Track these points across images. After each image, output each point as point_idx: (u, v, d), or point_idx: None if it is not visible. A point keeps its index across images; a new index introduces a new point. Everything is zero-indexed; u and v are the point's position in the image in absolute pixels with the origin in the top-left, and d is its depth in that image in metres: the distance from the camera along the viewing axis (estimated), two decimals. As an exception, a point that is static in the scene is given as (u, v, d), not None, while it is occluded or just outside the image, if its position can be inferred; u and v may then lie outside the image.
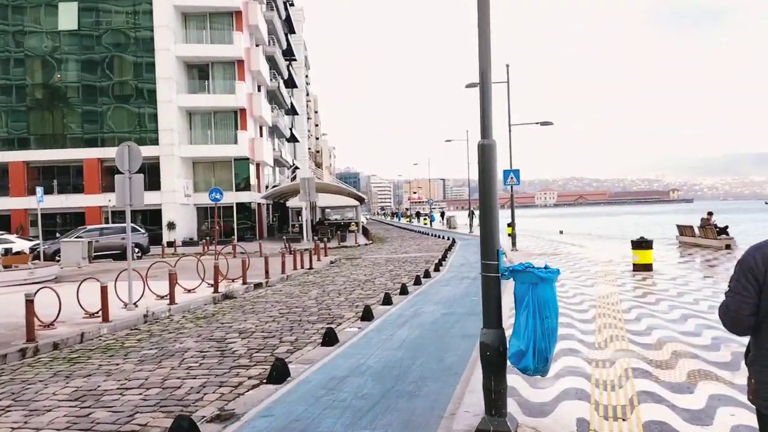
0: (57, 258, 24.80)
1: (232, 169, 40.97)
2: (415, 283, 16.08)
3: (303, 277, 19.05)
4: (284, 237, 36.82)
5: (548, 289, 4.63)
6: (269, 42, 49.35)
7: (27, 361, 8.66)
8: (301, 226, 43.85)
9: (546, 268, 4.73)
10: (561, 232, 41.17)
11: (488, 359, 4.79)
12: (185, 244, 36.89)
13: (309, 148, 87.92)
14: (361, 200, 54.72)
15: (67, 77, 39.47)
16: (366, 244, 36.44)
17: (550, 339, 4.62)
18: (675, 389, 5.83)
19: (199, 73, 41.11)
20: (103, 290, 10.89)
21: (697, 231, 25.41)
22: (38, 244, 26.00)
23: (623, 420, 5.06)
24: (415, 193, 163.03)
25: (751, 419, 4.91)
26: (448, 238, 38.19)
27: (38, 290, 10.51)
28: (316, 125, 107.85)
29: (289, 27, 63.72)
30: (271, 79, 49.18)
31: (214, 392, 6.72)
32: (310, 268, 21.38)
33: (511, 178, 25.38)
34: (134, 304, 12.22)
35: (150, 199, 37.16)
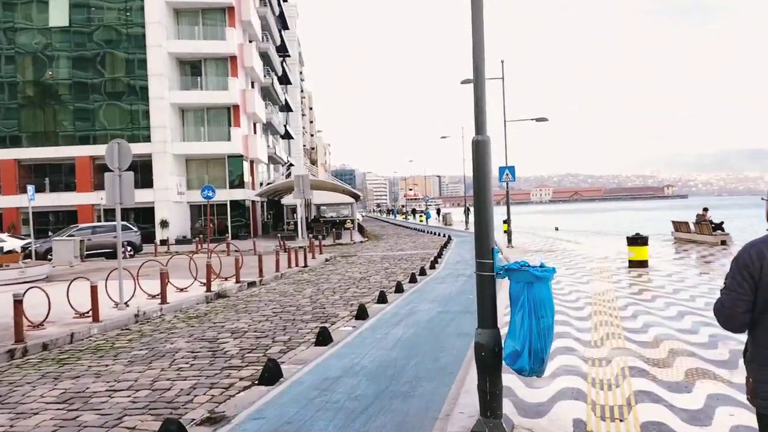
0: (49, 257, 24.60)
1: (226, 166, 40.79)
2: (410, 281, 15.97)
3: (297, 276, 18.92)
4: (279, 235, 36.69)
5: (544, 288, 4.52)
6: (263, 38, 49.10)
7: (15, 363, 8.51)
8: (296, 223, 43.69)
9: (541, 266, 4.62)
10: (556, 229, 41.15)
11: (483, 360, 4.69)
12: (179, 242, 36.69)
13: (304, 145, 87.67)
14: (356, 197, 54.62)
15: (59, 74, 39.20)
16: (361, 242, 36.32)
17: (546, 339, 4.52)
18: (673, 388, 5.74)
19: (191, 69, 40.89)
20: (93, 290, 10.74)
21: (692, 227, 25.39)
22: (30, 243, 25.80)
23: (621, 421, 4.96)
24: (410, 190, 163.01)
25: (750, 419, 4.81)
26: (444, 235, 38.09)
27: (27, 290, 10.36)
28: (311, 122, 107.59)
29: (283, 23, 63.46)
30: (264, 76, 48.94)
31: (204, 394, 6.60)
32: (305, 266, 21.26)
33: (507, 174, 25.30)
34: (125, 303, 12.07)
35: (143, 196, 37.16)
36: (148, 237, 35.29)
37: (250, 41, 44.65)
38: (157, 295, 12.94)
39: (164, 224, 37.45)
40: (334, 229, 40.95)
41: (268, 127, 52.94)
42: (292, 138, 69.46)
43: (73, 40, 39.02)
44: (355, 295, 13.87)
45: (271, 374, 6.86)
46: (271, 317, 11.35)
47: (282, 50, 62.22)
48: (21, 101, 39.15)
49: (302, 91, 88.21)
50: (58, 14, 38.74)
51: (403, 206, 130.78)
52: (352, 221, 52.32)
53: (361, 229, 46.84)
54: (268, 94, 52.39)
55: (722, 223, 24.70)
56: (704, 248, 21.60)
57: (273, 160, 56.17)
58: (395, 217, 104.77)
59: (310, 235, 31.22)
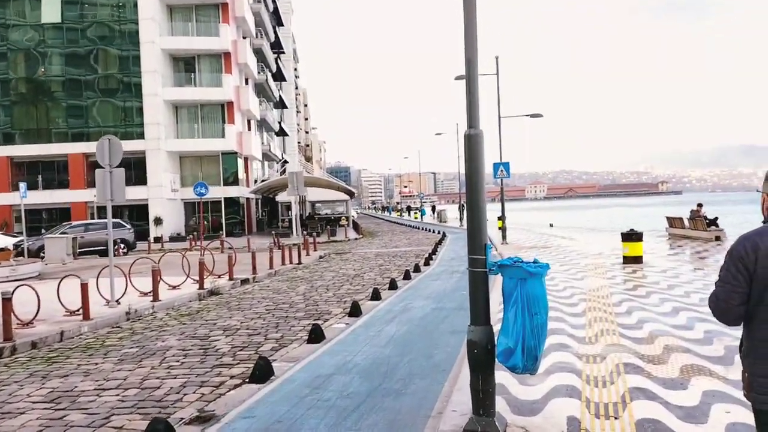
0: (41, 254, 24.43)
1: (220, 163, 40.60)
2: (404, 278, 15.90)
3: (291, 273, 18.82)
4: (273, 232, 36.55)
5: (537, 285, 4.44)
6: (257, 34, 48.87)
7: (3, 361, 8.40)
8: (290, 220, 43.57)
9: (535, 262, 4.55)
10: (551, 225, 41.12)
11: (476, 357, 4.61)
12: (173, 239, 36.51)
13: (299, 142, 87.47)
14: (350, 194, 54.48)
15: (52, 71, 38.89)
16: (356, 239, 36.23)
17: (539, 336, 4.44)
18: (668, 385, 5.68)
19: (185, 66, 40.63)
20: (84, 287, 10.62)
21: (686, 223, 25.39)
22: (22, 241, 25.60)
23: (615, 418, 4.89)
24: (405, 187, 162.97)
25: (746, 416, 4.76)
26: (439, 232, 38.03)
27: (16, 288, 10.23)
28: (306, 119, 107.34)
29: (277, 19, 63.17)
30: (258, 72, 48.74)
31: (194, 392, 6.50)
32: (299, 263, 21.16)
33: (501, 171, 25.23)
34: (116, 301, 11.96)
35: (136, 194, 37.04)
36: (142, 234, 35.12)
37: (244, 37, 44.43)
38: (149, 292, 12.82)
39: (158, 221, 37.25)
40: (328, 226, 40.85)
41: (263, 124, 52.74)
42: (287, 135, 69.24)
43: (65, 37, 38.71)
44: (349, 292, 13.79)
45: (262, 372, 6.78)
46: (263, 314, 11.26)
47: (276, 47, 61.97)
48: (13, 98, 38.83)
49: (297, 87, 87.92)
50: (51, 10, 38.43)
51: (398, 203, 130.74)
52: (347, 218, 52.19)
53: (356, 226, 46.72)
54: (262, 91, 52.18)
55: (716, 218, 24.72)
56: (698, 244, 21.60)
57: (268, 157, 55.99)
58: (390, 214, 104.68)
59: (305, 232, 31.11)
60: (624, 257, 16.05)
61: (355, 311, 10.75)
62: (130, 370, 7.54)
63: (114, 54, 38.69)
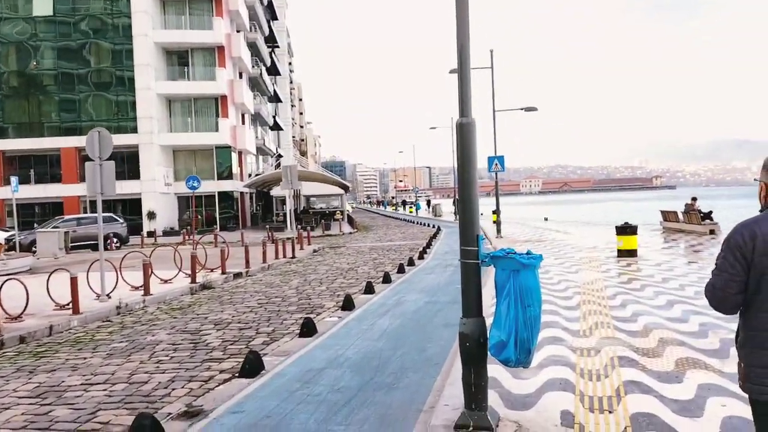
0: (33, 249, 24.24)
1: (214, 157, 40.39)
2: (398, 272, 15.82)
3: (285, 267, 18.71)
4: (267, 226, 36.42)
5: (531, 276, 4.35)
6: (251, 28, 48.57)
7: (-10, 356, 8.27)
8: (285, 215, 43.42)
9: (528, 253, 4.45)
10: (546, 219, 41.12)
11: (468, 351, 4.52)
12: (166, 233, 36.33)
13: (293, 137, 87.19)
14: (345, 188, 54.35)
15: (44, 65, 38.56)
16: (351, 233, 36.13)
17: (532, 329, 4.35)
18: (663, 378, 5.61)
19: (178, 59, 40.35)
20: (73, 281, 10.49)
21: (681, 216, 25.39)
22: (14, 235, 25.41)
23: (609, 412, 4.81)
24: (401, 181, 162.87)
25: (742, 410, 4.69)
26: (434, 226, 37.99)
27: (5, 282, 10.10)
28: (301, 113, 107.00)
29: (272, 13, 62.83)
30: (253, 66, 48.47)
31: (182, 387, 6.40)
32: (293, 257, 21.05)
33: (496, 164, 25.14)
34: (107, 295, 11.83)
35: (130, 188, 36.85)
36: (136, 229, 34.94)
37: (238, 31, 44.16)
38: (141, 286, 12.70)
39: (151, 216, 37.05)
40: (323, 221, 40.73)
41: (257, 118, 52.49)
42: (282, 129, 68.98)
43: (57, 30, 38.38)
44: (342, 286, 13.69)
45: (252, 366, 6.68)
46: (255, 308, 11.16)
47: (271, 41, 61.64)
48: (5, 92, 38.49)
49: (291, 82, 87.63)
50: (42, 3, 38.06)
51: (393, 198, 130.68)
52: (342, 212, 52.08)
53: (351, 221, 46.62)
54: (256, 85, 51.91)
55: (711, 212, 24.70)
56: (693, 237, 21.58)
57: (262, 151, 55.75)
58: (385, 208, 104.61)
59: (299, 227, 30.97)
60: (618, 251, 16.01)
61: (348, 305, 10.66)
62: (119, 365, 7.43)
63: (107, 47, 38.39)
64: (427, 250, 21.79)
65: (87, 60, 38.45)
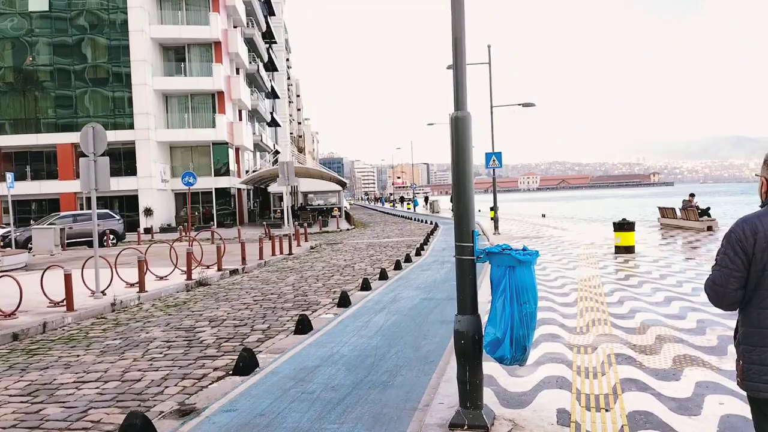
0: (29, 246, 24.12)
1: (211, 153, 40.26)
2: (395, 268, 15.76)
3: (281, 263, 18.64)
4: (264, 222, 36.31)
5: (526, 273, 4.28)
6: (248, 24, 48.39)
7: (-18, 354, 8.20)
8: (282, 211, 43.32)
9: (524, 250, 4.39)
10: (543, 216, 41.06)
11: (463, 348, 4.46)
12: (163, 230, 36.24)
13: (291, 133, 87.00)
14: (343, 185, 54.22)
15: (40, 60, 38.36)
16: (348, 229, 36.05)
17: (528, 326, 4.29)
18: (660, 376, 5.55)
19: (175, 55, 40.19)
20: (67, 278, 10.41)
21: (678, 213, 25.34)
22: (9, 232, 25.28)
23: (606, 410, 4.75)
24: (398, 178, 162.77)
25: (741, 408, 4.64)
26: (431, 223, 37.93)
27: (-2, 279, 10.02)
28: (298, 110, 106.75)
29: (269, 9, 62.59)
30: (250, 62, 48.30)
31: (176, 385, 6.33)
32: (290, 253, 20.98)
33: (494, 160, 25.07)
34: (102, 292, 11.75)
35: (126, 184, 36.74)
36: (132, 225, 34.85)
37: (235, 27, 43.99)
38: (136, 283, 12.62)
39: (148, 212, 36.93)
40: (320, 217, 40.64)
41: (254, 115, 52.34)
42: (279, 125, 68.79)
43: (53, 26, 38.17)
44: (339, 283, 13.63)
45: (246, 364, 6.61)
46: (251, 305, 11.09)
47: (268, 36, 61.45)
48: (1, 88, 38.29)
49: (289, 78, 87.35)
50: (38, -1, 37.88)
51: (391, 194, 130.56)
52: (339, 209, 51.96)
53: (348, 217, 46.51)
54: (253, 81, 51.75)
55: (708, 208, 24.66)
56: (690, 234, 21.54)
57: (259, 147, 55.62)
58: (383, 204, 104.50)
59: (296, 223, 30.88)
60: (616, 247, 15.96)
61: (344, 302, 10.60)
62: (112, 362, 7.36)
63: (103, 43, 38.21)
64: (425, 246, 21.73)
65: (83, 56, 38.27)
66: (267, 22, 58.66)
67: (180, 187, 36.79)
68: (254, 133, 50.94)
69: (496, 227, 26.06)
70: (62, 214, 29.00)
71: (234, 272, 16.00)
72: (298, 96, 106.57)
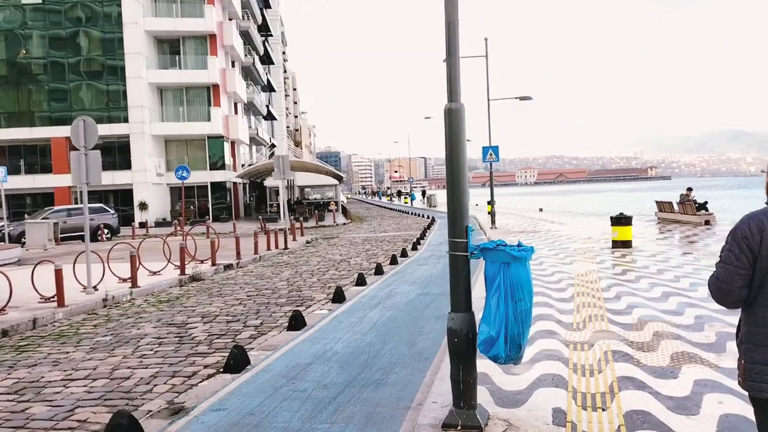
0: (23, 240, 23.94)
1: (206, 147, 40.02)
2: (391, 263, 15.65)
3: (277, 258, 18.51)
4: (260, 217, 36.16)
5: (521, 269, 4.17)
6: (243, 16, 48.05)
7: (-30, 351, 8.06)
8: (278, 205, 43.15)
9: (519, 245, 4.27)
10: (541, 210, 40.99)
11: (456, 347, 4.34)
12: (158, 224, 36.06)
13: (287, 127, 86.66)
14: (339, 179, 54.06)
15: (34, 53, 38.03)
16: (344, 224, 35.93)
17: (523, 324, 4.18)
18: (658, 374, 5.45)
19: (169, 48, 39.87)
20: (58, 273, 10.27)
21: (676, 207, 25.27)
22: (3, 226, 25.09)
23: (603, 410, 4.65)
24: (396, 172, 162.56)
25: (740, 407, 4.54)
26: (428, 217, 37.82)
27: (-13, 274, 9.88)
28: (295, 103, 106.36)
29: (265, 1, 62.23)
30: (245, 55, 47.97)
31: (165, 383, 6.21)
32: (285, 248, 20.85)
33: (491, 154, 24.94)
34: (94, 287, 11.61)
35: (121, 178, 36.54)
36: (127, 219, 34.66)
37: (230, 19, 43.65)
38: (128, 278, 12.48)
39: (143, 206, 36.73)
40: (317, 211, 40.49)
41: (250, 108, 52.06)
42: (275, 119, 68.50)
43: (47, 19, 37.83)
44: (334, 278, 13.51)
45: (237, 361, 6.50)
46: (244, 301, 10.97)
47: (264, 29, 61.06)
48: (-5, 81, 38.01)
49: (285, 71, 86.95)
50: (31, -9, 37.51)
51: (388, 188, 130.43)
52: (336, 203, 51.82)
53: (345, 211, 46.39)
54: (249, 74, 51.45)
55: (706, 203, 24.60)
56: (688, 228, 21.48)
57: (255, 141, 55.36)
58: (380, 199, 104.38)
59: (292, 217, 30.75)
60: (613, 241, 15.87)
61: (338, 297, 10.49)
62: (101, 360, 7.24)
63: (97, 36, 37.88)
64: (421, 241, 21.62)
65: (77, 49, 37.95)
66: (263, 15, 58.32)
67: (175, 181, 36.61)
68: (250, 127, 50.69)
69: (493, 221, 25.96)
70: (56, 208, 28.80)
71: (228, 267, 15.88)
72: (294, 89, 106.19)
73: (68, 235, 25.87)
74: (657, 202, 28.17)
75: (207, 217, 37.88)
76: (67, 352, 7.70)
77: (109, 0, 37.53)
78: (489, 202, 27.63)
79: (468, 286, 4.45)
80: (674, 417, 4.44)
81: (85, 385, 6.26)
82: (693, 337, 6.69)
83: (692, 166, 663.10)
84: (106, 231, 27.08)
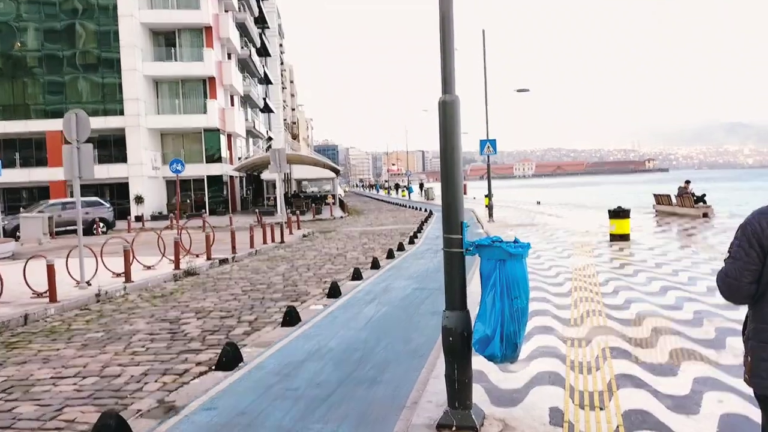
0: (17, 234, 23.79)
1: (203, 140, 39.81)
2: (387, 257, 15.55)
3: (273, 252, 18.40)
4: (257, 210, 36.02)
5: (518, 266, 4.06)
6: (239, 8, 47.73)
7: (-41, 348, 7.95)
8: (275, 198, 42.97)
9: (516, 242, 4.16)
10: (538, 203, 40.91)
11: (451, 345, 4.24)
12: (155, 218, 35.91)
13: (285, 119, 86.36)
14: (336, 172, 53.87)
15: (28, 46, 37.75)
16: (342, 217, 35.81)
17: (519, 322, 4.07)
18: (656, 371, 5.36)
19: (165, 40, 39.59)
20: (50, 268, 10.14)
21: (674, 200, 25.20)
22: (-3, 220, 24.93)
23: (601, 409, 4.56)
24: (393, 165, 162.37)
25: (740, 406, 4.44)
26: (426, 210, 37.72)
27: (-23, 270, 9.74)
28: (292, 95, 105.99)
29: (261, -7, 61.82)
30: (242, 47, 47.70)
31: (156, 381, 6.10)
32: (282, 242, 20.73)
33: (488, 147, 24.81)
34: (87, 282, 11.49)
35: (117, 172, 36.36)
36: (123, 213, 34.51)
37: (226, 11, 43.35)
38: (122, 273, 12.36)
39: (139, 200, 36.56)
40: (314, 205, 40.35)
41: (247, 101, 51.81)
42: (272, 112, 68.23)
43: (42, 11, 37.53)
44: (330, 272, 13.41)
45: (229, 359, 6.39)
46: (239, 296, 10.86)
47: (260, 21, 60.73)
48: (-11, 73, 37.73)
49: (282, 63, 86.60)
50: (26, -17, 37.18)
51: (386, 181, 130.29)
52: (334, 196, 51.66)
53: (342, 205, 46.25)
54: (246, 67, 51.16)
55: (704, 195, 24.53)
56: (686, 221, 21.40)
57: (252, 134, 55.14)
58: (378, 192, 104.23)
59: (289, 211, 30.62)
60: (611, 235, 15.79)
61: (334, 292, 10.38)
62: (92, 357, 7.13)
63: (92, 28, 37.61)
64: (418, 234, 21.52)
65: (72, 41, 37.67)
66: (259, 7, 57.98)
67: (171, 174, 36.45)
68: (247, 120, 50.46)
69: (490, 214, 25.87)
70: (51, 201, 28.62)
71: (223, 261, 15.76)
72: (291, 82, 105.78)
73: (63, 229, 25.73)
74: (655, 195, 28.10)
75: (204, 210, 37.72)
76: (58, 349, 7.59)
77: (104, -8, 37.22)
78: (487, 195, 27.54)
79: (463, 283, 4.34)
80: (674, 417, 4.34)
81: (74, 383, 6.15)
82: (692, 332, 6.60)
83: (690, 158, 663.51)
84: (101, 225, 26.93)
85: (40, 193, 37.13)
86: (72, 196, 33.91)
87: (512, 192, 77.83)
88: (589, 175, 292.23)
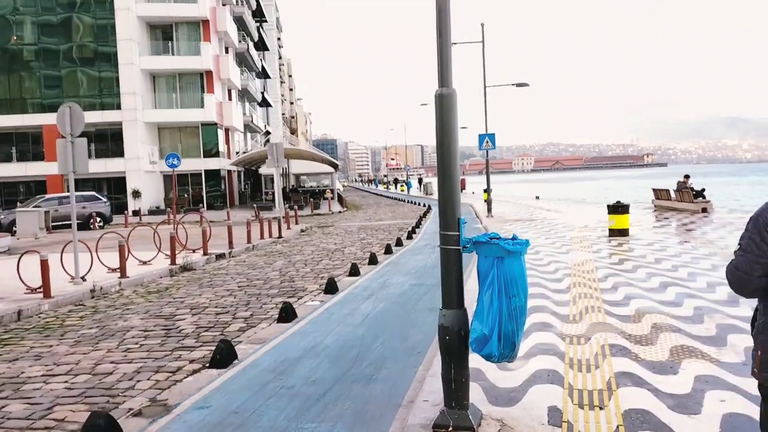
0: (13, 229, 23.66)
1: (200, 134, 39.63)
2: (385, 252, 15.45)
3: (270, 247, 18.30)
4: (255, 205, 35.90)
5: (516, 264, 3.96)
6: (237, 1, 47.47)
7: (-49, 344, 7.85)
8: (273, 193, 42.83)
9: (514, 238, 4.06)
10: (537, 198, 40.81)
11: (447, 345, 4.15)
12: (152, 212, 35.76)
13: (283, 114, 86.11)
14: (335, 167, 53.74)
15: (25, 39, 37.51)
16: (340, 212, 35.70)
17: (517, 321, 3.98)
18: (657, 369, 5.27)
19: (162, 34, 39.35)
20: (44, 263, 10.04)
21: (673, 194, 25.11)
22: (-7, 215, 24.81)
23: (600, 408, 4.47)
24: (392, 159, 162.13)
25: (743, 405, 4.36)
26: (424, 205, 37.61)
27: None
28: (291, 89, 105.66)
29: (259, -13, 61.47)
30: (239, 41, 47.46)
31: (148, 379, 6.01)
32: (279, 237, 20.62)
33: (487, 142, 24.69)
34: (81, 277, 11.39)
35: (114, 166, 36.22)
36: (121, 208, 34.37)
37: (224, 4, 43.11)
38: (117, 268, 12.26)
39: (136, 194, 36.41)
40: (312, 199, 40.24)
41: (245, 95, 51.59)
42: (270, 106, 67.97)
43: (39, 4, 37.25)
44: (327, 268, 13.31)
45: (223, 356, 6.30)
46: (235, 292, 10.76)
47: (258, 15, 60.44)
48: (-15, 67, 37.48)
49: (280, 57, 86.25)
50: (22, -24, 36.90)
51: (384, 176, 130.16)
52: (332, 191, 51.52)
53: (341, 199, 46.11)
54: (243, 60, 50.93)
55: (703, 190, 24.44)
56: (685, 216, 21.31)
57: (250, 128, 54.93)
58: (377, 186, 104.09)
59: (287, 206, 30.51)
60: (610, 230, 15.69)
61: (331, 288, 10.29)
62: (85, 354, 7.04)
63: (89, 22, 37.36)
64: (416, 229, 21.42)
65: (69, 35, 37.43)
66: (257, 0, 57.67)
67: (168, 168, 36.28)
68: (244, 114, 50.26)
69: (489, 209, 25.77)
70: (47, 196, 28.49)
71: (220, 257, 15.66)
72: (290, 76, 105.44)
73: (60, 223, 25.60)
74: (654, 190, 28.01)
75: (201, 205, 37.59)
76: (51, 346, 7.50)
77: (100, -15, 36.97)
78: (485, 190, 27.43)
79: (460, 281, 4.25)
80: (675, 416, 4.26)
81: (65, 381, 6.06)
82: (692, 329, 6.51)
83: (688, 153, 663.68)
84: (98, 219, 26.81)
85: (37, 187, 36.95)
86: (68, 191, 33.85)
87: (511, 187, 77.77)
88: (587, 170, 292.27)
